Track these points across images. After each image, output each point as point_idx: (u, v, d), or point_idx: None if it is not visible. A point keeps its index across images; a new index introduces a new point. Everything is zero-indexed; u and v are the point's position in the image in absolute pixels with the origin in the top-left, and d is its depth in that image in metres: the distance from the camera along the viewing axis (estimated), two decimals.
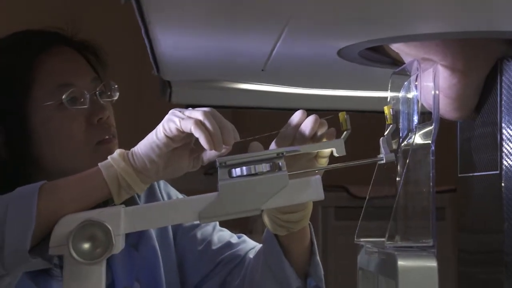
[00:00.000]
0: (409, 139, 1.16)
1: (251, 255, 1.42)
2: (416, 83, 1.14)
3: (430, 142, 1.11)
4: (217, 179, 1.11)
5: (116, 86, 1.35)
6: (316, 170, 1.18)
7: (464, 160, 1.19)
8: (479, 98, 1.14)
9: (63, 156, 1.29)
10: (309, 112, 1.21)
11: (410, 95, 1.17)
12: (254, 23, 1.04)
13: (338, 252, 2.79)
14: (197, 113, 1.11)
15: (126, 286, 1.36)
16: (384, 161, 1.15)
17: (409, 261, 1.05)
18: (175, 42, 1.16)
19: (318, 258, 1.35)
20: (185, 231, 1.45)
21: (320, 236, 2.81)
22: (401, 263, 1.04)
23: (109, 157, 1.14)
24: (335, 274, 2.72)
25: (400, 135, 1.19)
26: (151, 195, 1.44)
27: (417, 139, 1.14)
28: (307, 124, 1.18)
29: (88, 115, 1.31)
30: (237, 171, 1.11)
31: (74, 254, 1.07)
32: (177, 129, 1.11)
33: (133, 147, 1.15)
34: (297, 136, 1.18)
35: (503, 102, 1.09)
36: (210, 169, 1.16)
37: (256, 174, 1.11)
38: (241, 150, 1.14)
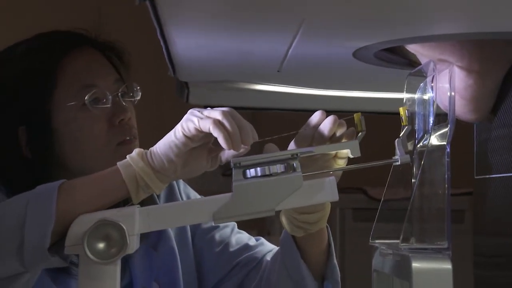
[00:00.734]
0: (424, 140, 1.15)
1: (269, 257, 1.42)
2: (432, 84, 1.13)
3: (445, 143, 1.10)
4: None
5: (138, 87, 1.36)
6: (331, 171, 1.18)
7: (481, 162, 1.19)
8: (496, 100, 1.14)
9: (85, 156, 1.30)
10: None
11: (426, 97, 1.16)
12: (268, 24, 1.04)
13: (356, 254, 2.78)
14: (216, 113, 1.11)
15: (145, 286, 1.36)
16: (399, 163, 1.15)
17: (423, 263, 1.04)
18: (190, 43, 1.17)
19: (335, 260, 1.35)
20: (204, 232, 1.45)
21: (337, 237, 2.80)
22: (415, 265, 1.04)
23: (127, 156, 1.14)
24: (353, 276, 2.71)
25: (416, 136, 1.18)
26: (171, 196, 1.45)
27: (433, 140, 1.13)
28: (326, 125, 1.18)
29: (110, 116, 1.32)
30: (251, 172, 1.11)
31: (89, 254, 1.07)
32: (196, 129, 1.11)
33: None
34: (316, 137, 1.18)
35: None
36: (228, 170, 1.16)
37: (270, 175, 1.11)
38: (259, 150, 1.14)
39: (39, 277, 1.18)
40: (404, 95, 1.20)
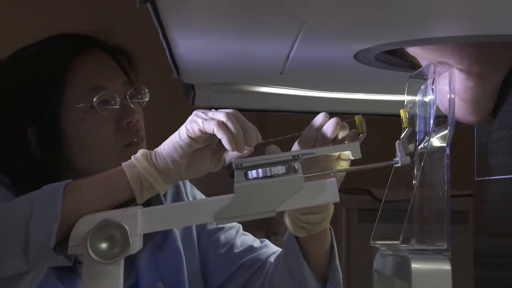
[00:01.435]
0: (425, 142, 1.16)
1: (273, 259, 1.43)
2: (433, 86, 1.14)
3: (445, 145, 1.11)
4: None
5: (146, 90, 1.37)
6: (332, 172, 1.19)
7: (481, 164, 1.19)
8: (496, 102, 1.14)
9: (93, 157, 1.32)
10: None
11: (426, 99, 1.17)
12: (269, 26, 1.05)
13: (361, 254, 2.79)
14: (220, 115, 1.12)
15: (150, 286, 1.37)
16: (399, 164, 1.15)
17: (423, 264, 1.05)
18: (193, 45, 1.18)
19: (337, 262, 1.36)
20: (209, 234, 1.46)
21: (343, 238, 2.81)
22: (414, 265, 1.05)
23: (132, 157, 1.16)
24: (358, 276, 2.71)
25: (417, 138, 1.19)
26: (177, 197, 1.46)
27: (433, 142, 1.14)
28: (329, 127, 1.19)
29: (118, 118, 1.33)
30: (253, 173, 1.12)
31: (92, 254, 1.08)
32: (200, 130, 1.12)
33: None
34: (319, 138, 1.19)
35: None
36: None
37: (272, 176, 1.12)
38: (263, 152, 1.15)
39: (46, 276, 1.20)
40: (405, 97, 1.21)
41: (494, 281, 1.17)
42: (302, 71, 1.31)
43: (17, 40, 1.41)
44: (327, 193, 1.13)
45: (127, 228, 1.10)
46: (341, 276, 1.35)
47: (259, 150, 1.18)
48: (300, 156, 1.13)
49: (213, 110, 1.14)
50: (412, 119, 1.19)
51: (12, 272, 1.12)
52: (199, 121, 1.12)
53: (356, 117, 1.18)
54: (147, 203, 1.22)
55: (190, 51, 1.21)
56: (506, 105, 1.12)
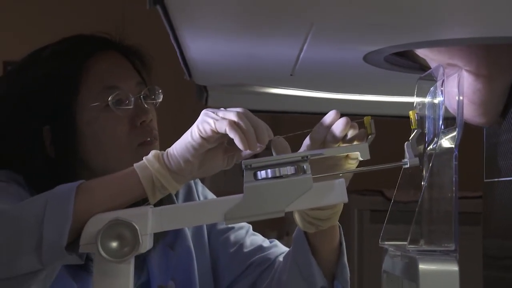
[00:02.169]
0: (434, 144, 1.17)
1: (281, 258, 1.44)
2: (442, 88, 1.14)
3: (454, 146, 1.11)
4: None
5: (160, 90, 1.39)
6: (341, 173, 1.19)
7: (490, 165, 1.20)
8: (505, 104, 1.14)
9: (106, 156, 1.34)
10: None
11: (436, 100, 1.17)
12: (278, 29, 1.06)
13: (373, 255, 2.79)
14: (231, 114, 1.13)
15: (161, 284, 1.39)
16: (408, 165, 1.16)
17: (430, 264, 1.05)
18: (203, 47, 1.19)
19: (345, 259, 1.36)
20: (219, 233, 1.47)
21: (356, 238, 2.81)
22: (422, 266, 1.05)
23: (144, 158, 1.17)
24: (370, 276, 2.71)
25: (426, 140, 1.19)
26: (189, 198, 1.47)
27: (442, 144, 1.15)
28: (338, 126, 1.19)
29: (132, 118, 1.35)
30: (262, 174, 1.13)
31: (103, 252, 1.10)
32: (212, 130, 1.13)
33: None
34: (328, 137, 1.20)
35: None
36: None
37: (281, 177, 1.12)
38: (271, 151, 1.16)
39: (58, 273, 1.21)
40: (415, 99, 1.21)
41: (502, 282, 1.17)
42: (312, 72, 1.32)
43: (33, 42, 1.43)
44: (336, 193, 1.13)
45: (137, 227, 1.10)
46: (349, 274, 1.36)
47: (270, 149, 1.18)
48: (309, 157, 1.14)
49: (222, 109, 1.15)
50: (421, 120, 1.20)
51: (25, 271, 1.13)
52: (211, 121, 1.13)
53: (365, 118, 1.19)
54: (159, 203, 1.23)
55: (201, 53, 1.22)
56: None
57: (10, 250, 1.12)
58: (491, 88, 1.13)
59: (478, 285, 1.22)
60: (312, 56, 1.18)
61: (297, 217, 1.31)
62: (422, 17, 0.99)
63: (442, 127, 1.15)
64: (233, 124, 1.12)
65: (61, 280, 1.27)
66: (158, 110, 1.40)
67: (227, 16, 1.03)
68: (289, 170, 1.13)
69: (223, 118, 1.13)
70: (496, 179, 1.17)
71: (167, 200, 1.36)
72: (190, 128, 1.15)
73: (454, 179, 1.09)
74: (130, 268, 1.12)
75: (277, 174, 1.13)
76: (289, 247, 1.49)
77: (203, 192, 1.51)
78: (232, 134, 1.12)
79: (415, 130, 1.18)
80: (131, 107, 1.34)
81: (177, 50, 1.17)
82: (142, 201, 1.26)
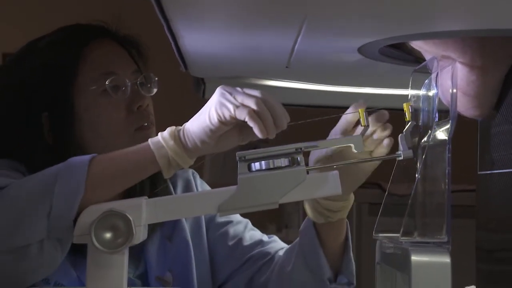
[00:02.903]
0: (428, 136, 1.17)
1: (281, 253, 1.45)
2: (436, 80, 1.15)
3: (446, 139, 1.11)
4: None
5: (156, 79, 1.40)
6: (334, 165, 1.20)
7: (483, 158, 1.20)
8: (499, 96, 1.14)
9: (104, 141, 1.35)
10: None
11: (430, 93, 1.18)
12: (272, 21, 1.06)
13: (372, 247, 2.79)
14: (251, 101, 1.14)
15: (159, 275, 1.39)
16: (402, 158, 1.16)
17: (422, 256, 1.06)
18: (198, 39, 1.19)
19: (351, 254, 1.38)
20: (217, 226, 1.48)
21: (354, 231, 2.81)
22: (414, 258, 1.06)
23: (159, 135, 1.18)
24: (368, 269, 2.71)
25: (420, 132, 1.20)
26: (187, 191, 1.48)
27: (436, 136, 1.15)
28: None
29: (129, 103, 1.36)
30: (256, 165, 1.14)
31: (96, 243, 1.10)
32: (231, 116, 1.14)
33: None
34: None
35: None
36: None
37: (274, 169, 1.13)
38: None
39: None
40: (409, 92, 1.21)
41: (495, 274, 1.17)
42: (307, 64, 1.32)
43: (32, 34, 1.44)
44: (329, 185, 1.14)
45: (131, 218, 1.11)
46: (354, 268, 1.37)
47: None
48: (302, 148, 1.14)
49: (238, 89, 1.16)
50: (415, 113, 1.20)
51: (31, 240, 1.13)
52: (231, 107, 1.14)
53: (359, 110, 1.19)
54: (155, 195, 1.24)
55: (196, 44, 1.22)
56: (509, 99, 1.12)
57: (18, 219, 1.13)
58: (485, 80, 1.13)
59: (471, 278, 1.22)
60: (307, 48, 1.18)
61: (307, 207, 1.32)
62: (416, 9, 0.99)
63: (436, 119, 1.15)
64: (252, 114, 1.13)
65: (60, 267, 1.27)
66: (157, 100, 1.41)
67: (220, 8, 1.03)
68: (283, 162, 1.14)
69: (243, 105, 1.14)
70: (489, 172, 1.17)
71: (165, 193, 1.37)
72: (208, 109, 1.16)
73: (447, 171, 1.09)
74: (124, 259, 1.12)
75: (271, 166, 1.13)
76: (288, 240, 1.50)
77: (201, 185, 1.51)
78: (252, 124, 1.14)
79: (409, 123, 1.19)
80: (127, 93, 1.36)
81: (171, 41, 1.18)
82: (139, 192, 1.28)
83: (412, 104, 1.20)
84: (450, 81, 1.11)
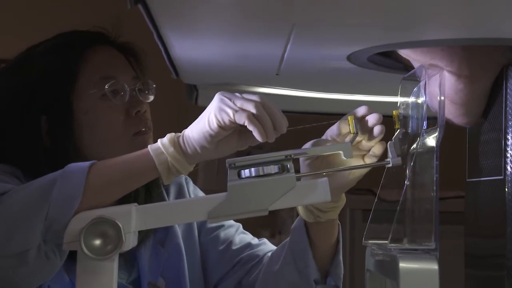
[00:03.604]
0: (416, 143, 1.17)
1: (270, 255, 1.45)
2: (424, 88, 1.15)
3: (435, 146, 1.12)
4: None
5: (154, 86, 1.41)
6: (324, 172, 1.20)
7: (472, 165, 1.21)
8: (486, 104, 1.15)
9: (102, 145, 1.35)
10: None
11: (419, 100, 1.18)
12: (261, 29, 1.07)
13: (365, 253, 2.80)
14: (250, 105, 1.15)
15: (151, 281, 1.40)
16: (391, 165, 1.17)
17: (410, 263, 1.07)
18: (188, 46, 1.20)
19: (341, 257, 1.38)
20: (209, 231, 1.49)
21: (347, 237, 2.81)
22: (402, 265, 1.06)
23: (159, 141, 1.19)
24: (362, 275, 2.72)
25: (410, 139, 1.20)
26: (180, 197, 1.49)
27: (425, 143, 1.16)
28: (372, 118, 1.21)
29: (127, 108, 1.37)
30: (246, 172, 1.14)
31: (86, 250, 1.11)
32: (230, 121, 1.15)
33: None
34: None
35: (508, 109, 1.10)
36: None
37: (264, 176, 1.14)
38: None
39: None
40: (399, 99, 1.22)
41: (483, 280, 1.18)
42: (297, 72, 1.33)
43: (28, 40, 1.45)
44: (319, 192, 1.14)
45: (120, 225, 1.11)
46: (342, 271, 1.38)
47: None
48: (292, 155, 1.15)
49: (237, 94, 1.17)
50: (404, 120, 1.21)
51: (29, 245, 1.13)
52: (230, 112, 1.15)
53: (349, 117, 1.20)
54: (149, 202, 1.24)
55: (186, 52, 1.23)
56: (496, 107, 1.13)
57: (16, 225, 1.14)
58: (472, 89, 1.13)
59: (460, 284, 1.23)
60: (296, 56, 1.19)
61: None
62: (403, 18, 1.00)
63: (425, 126, 1.16)
64: (252, 118, 1.14)
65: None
66: (155, 106, 1.42)
67: (210, 17, 1.03)
68: (273, 169, 1.14)
69: (242, 109, 1.14)
70: (477, 179, 1.18)
71: (157, 199, 1.37)
72: (207, 114, 1.17)
73: (435, 178, 1.10)
74: (113, 265, 1.13)
75: (261, 173, 1.14)
76: None
77: (194, 191, 1.52)
78: (251, 127, 1.14)
79: (399, 130, 1.20)
80: (126, 98, 1.37)
81: (161, 49, 1.18)
82: (133, 198, 1.28)
83: (401, 111, 1.21)
84: (438, 89, 1.12)
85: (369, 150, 1.24)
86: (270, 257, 1.43)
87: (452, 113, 1.17)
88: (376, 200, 1.24)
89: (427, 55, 1.14)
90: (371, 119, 1.21)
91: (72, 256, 1.19)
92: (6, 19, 3.89)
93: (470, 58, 1.12)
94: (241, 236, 1.50)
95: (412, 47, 1.13)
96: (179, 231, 1.45)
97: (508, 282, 1.08)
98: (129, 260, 1.39)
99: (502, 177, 1.10)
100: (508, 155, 1.09)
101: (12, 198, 1.15)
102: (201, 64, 1.33)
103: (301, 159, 1.26)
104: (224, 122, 1.15)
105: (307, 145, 1.23)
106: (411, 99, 1.20)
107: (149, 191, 1.40)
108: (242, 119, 1.14)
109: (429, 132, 1.15)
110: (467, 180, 1.22)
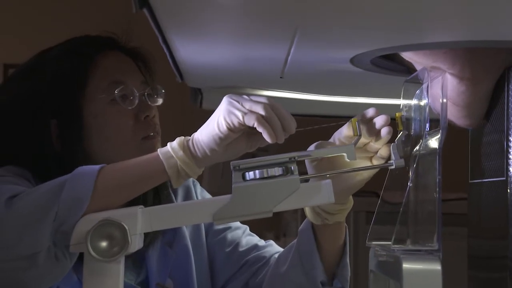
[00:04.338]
0: (419, 145, 1.18)
1: (276, 256, 1.46)
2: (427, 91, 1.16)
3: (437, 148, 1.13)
4: None
5: (163, 91, 1.42)
6: (327, 174, 1.21)
7: (475, 167, 1.21)
8: (488, 106, 1.16)
9: (111, 149, 1.37)
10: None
11: (422, 103, 1.19)
12: (265, 33, 1.08)
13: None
14: (258, 107, 1.16)
15: (160, 282, 1.41)
16: (394, 167, 1.18)
17: (414, 264, 1.07)
18: (193, 50, 1.21)
19: (347, 259, 1.39)
20: (216, 233, 1.50)
21: (351, 239, 2.80)
22: (405, 265, 1.07)
23: (168, 145, 1.20)
24: (365, 277, 2.72)
25: (413, 141, 1.21)
26: (187, 199, 1.50)
27: (428, 145, 1.16)
28: (379, 121, 1.22)
29: (136, 112, 1.39)
30: (250, 175, 1.15)
31: (92, 252, 1.12)
32: (240, 124, 1.16)
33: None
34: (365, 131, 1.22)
35: (510, 110, 1.11)
36: None
37: (268, 178, 1.15)
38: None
39: None
40: (401, 101, 1.23)
41: (487, 282, 1.19)
42: (301, 75, 1.34)
43: (34, 45, 1.47)
44: (323, 194, 1.15)
45: (126, 227, 1.13)
46: (349, 274, 1.39)
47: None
48: (296, 158, 1.16)
49: (245, 96, 1.18)
50: (407, 122, 1.22)
51: (39, 247, 1.14)
52: (239, 114, 1.16)
53: (352, 120, 1.21)
54: (158, 203, 1.25)
55: (190, 55, 1.24)
56: (498, 109, 1.14)
57: (26, 227, 1.15)
58: (474, 91, 1.14)
59: (464, 285, 1.23)
60: (300, 59, 1.20)
61: (306, 207, 1.33)
62: (405, 21, 1.01)
63: (428, 128, 1.17)
64: (261, 119, 1.15)
65: None
66: (160, 109, 1.44)
67: (214, 21, 1.04)
68: (277, 171, 1.15)
69: (251, 111, 1.16)
70: (480, 180, 1.19)
71: (166, 202, 1.39)
72: (216, 117, 1.18)
73: (438, 180, 1.11)
74: (119, 267, 1.14)
75: (265, 175, 1.15)
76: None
77: (201, 194, 1.53)
78: (261, 129, 1.15)
79: (401, 132, 1.21)
80: (135, 103, 1.38)
81: (166, 52, 1.19)
82: (143, 201, 1.30)
83: (404, 113, 1.22)
84: (440, 91, 1.13)
85: (377, 152, 1.25)
86: (277, 258, 1.44)
87: (454, 115, 1.18)
88: (379, 201, 1.25)
89: (429, 58, 1.14)
90: (379, 121, 1.22)
91: (81, 256, 1.20)
92: (11, 23, 3.90)
93: (472, 60, 1.13)
94: (248, 238, 1.51)
95: (415, 49, 1.14)
96: (187, 232, 1.47)
97: (510, 283, 1.09)
98: (137, 261, 1.41)
99: (504, 178, 1.11)
100: (511, 156, 1.10)
101: (23, 200, 1.17)
102: (206, 67, 1.34)
103: (307, 161, 1.27)
104: (234, 125, 1.16)
105: (312, 147, 1.24)
106: (413, 102, 1.21)
107: (158, 194, 1.41)
108: (251, 121, 1.15)
109: (431, 134, 1.16)
110: (470, 181, 1.22)
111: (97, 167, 1.19)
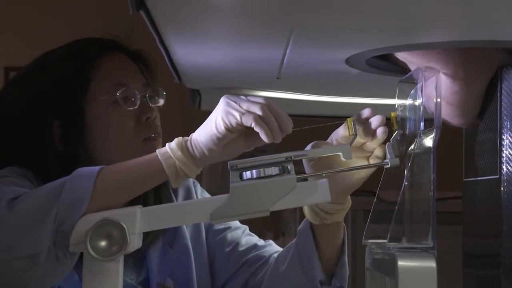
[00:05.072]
0: (414, 144, 1.20)
1: (276, 256, 1.48)
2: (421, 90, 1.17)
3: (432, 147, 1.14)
4: None
5: (164, 92, 1.43)
6: (324, 173, 1.23)
7: (469, 165, 1.23)
8: (482, 105, 1.18)
9: (112, 150, 1.38)
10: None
11: (416, 102, 1.21)
12: (261, 33, 1.09)
13: None
14: (256, 108, 1.17)
15: (160, 281, 1.42)
16: (389, 166, 1.19)
17: (408, 261, 1.08)
18: (190, 51, 1.22)
19: (346, 258, 1.40)
20: (216, 233, 1.51)
21: (349, 238, 2.81)
22: (401, 263, 1.08)
23: (167, 145, 1.22)
24: (363, 275, 2.74)
25: (408, 141, 1.23)
26: (188, 199, 1.51)
27: (422, 144, 1.18)
28: (375, 121, 1.23)
29: (138, 114, 1.40)
30: (247, 174, 1.16)
31: (91, 251, 1.13)
32: (237, 124, 1.18)
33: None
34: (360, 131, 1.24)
35: (503, 109, 1.12)
36: None
37: (265, 177, 1.16)
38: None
39: None
40: (396, 101, 1.24)
41: (481, 279, 1.20)
42: (297, 75, 1.35)
43: (35, 47, 1.48)
44: (319, 193, 1.17)
45: (125, 226, 1.14)
46: (348, 273, 1.40)
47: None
48: (292, 157, 1.17)
49: (242, 97, 1.19)
50: (402, 122, 1.23)
51: (39, 248, 1.16)
52: (236, 114, 1.17)
53: (348, 119, 1.22)
54: (159, 204, 1.27)
55: (188, 57, 1.25)
56: (491, 108, 1.15)
57: (27, 227, 1.16)
58: (468, 91, 1.16)
59: (459, 283, 1.25)
60: (296, 59, 1.21)
61: (305, 206, 1.34)
62: (401, 22, 1.02)
63: (422, 128, 1.18)
64: (258, 119, 1.17)
65: None
66: (160, 110, 1.45)
67: (211, 21, 1.05)
68: (274, 170, 1.16)
69: (248, 112, 1.17)
70: (474, 178, 1.20)
71: (166, 202, 1.40)
72: (214, 118, 1.19)
73: (432, 178, 1.12)
74: (119, 266, 1.15)
75: (262, 175, 1.16)
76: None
77: (202, 194, 1.55)
78: (258, 129, 1.17)
79: (396, 131, 1.22)
80: (137, 104, 1.39)
81: (164, 54, 1.21)
82: (143, 201, 1.31)
83: (399, 113, 1.23)
84: (434, 91, 1.14)
85: (373, 152, 1.26)
86: (277, 258, 1.45)
87: (448, 114, 1.19)
88: (375, 200, 1.26)
89: (423, 58, 1.16)
90: (374, 121, 1.23)
91: (82, 256, 1.22)
92: (12, 25, 3.91)
93: (465, 60, 1.14)
94: (248, 238, 1.53)
95: (409, 50, 1.15)
96: (187, 232, 1.48)
97: (504, 280, 1.10)
98: (138, 260, 1.42)
99: (498, 176, 1.12)
100: (504, 154, 1.12)
101: (24, 202, 1.19)
102: (203, 69, 1.35)
103: (304, 161, 1.29)
104: (231, 125, 1.18)
105: (308, 147, 1.26)
106: (408, 101, 1.23)
107: (159, 195, 1.43)
108: (249, 121, 1.17)
109: (426, 133, 1.17)
110: (464, 180, 1.24)
111: (96, 168, 1.21)
